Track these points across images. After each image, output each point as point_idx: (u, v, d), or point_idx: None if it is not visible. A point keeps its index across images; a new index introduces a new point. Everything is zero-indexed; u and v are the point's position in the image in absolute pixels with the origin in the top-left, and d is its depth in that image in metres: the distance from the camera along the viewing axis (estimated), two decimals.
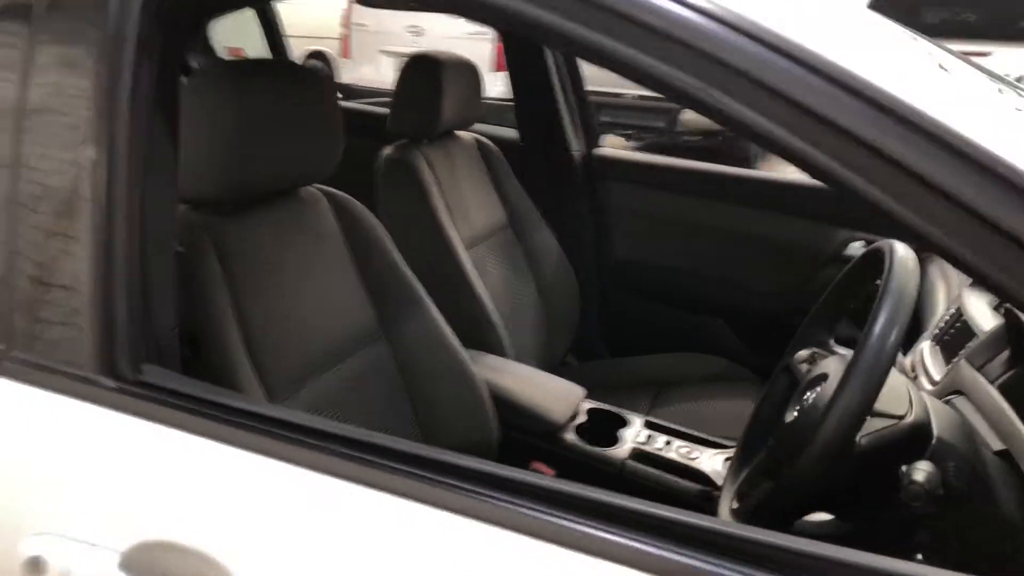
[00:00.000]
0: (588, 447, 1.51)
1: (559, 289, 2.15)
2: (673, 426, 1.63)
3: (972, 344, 1.21)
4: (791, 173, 1.88)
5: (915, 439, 0.90)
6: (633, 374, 2.13)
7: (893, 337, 0.85)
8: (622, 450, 1.52)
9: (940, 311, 1.55)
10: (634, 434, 1.57)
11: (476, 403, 1.43)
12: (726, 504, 1.10)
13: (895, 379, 1.00)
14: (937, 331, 1.41)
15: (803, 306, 2.20)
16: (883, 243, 1.03)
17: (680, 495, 1.43)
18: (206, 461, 0.79)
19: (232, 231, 1.13)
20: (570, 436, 1.54)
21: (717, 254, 2.23)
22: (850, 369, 0.85)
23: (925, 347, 1.41)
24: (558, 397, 1.59)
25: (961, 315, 1.35)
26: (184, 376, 0.87)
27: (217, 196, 1.10)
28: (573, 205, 2.31)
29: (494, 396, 1.46)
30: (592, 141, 2.36)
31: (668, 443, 1.56)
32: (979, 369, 1.14)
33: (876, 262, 1.07)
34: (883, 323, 0.86)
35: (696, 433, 1.63)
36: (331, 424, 0.81)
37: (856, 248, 2.09)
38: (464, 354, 1.44)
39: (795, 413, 1.02)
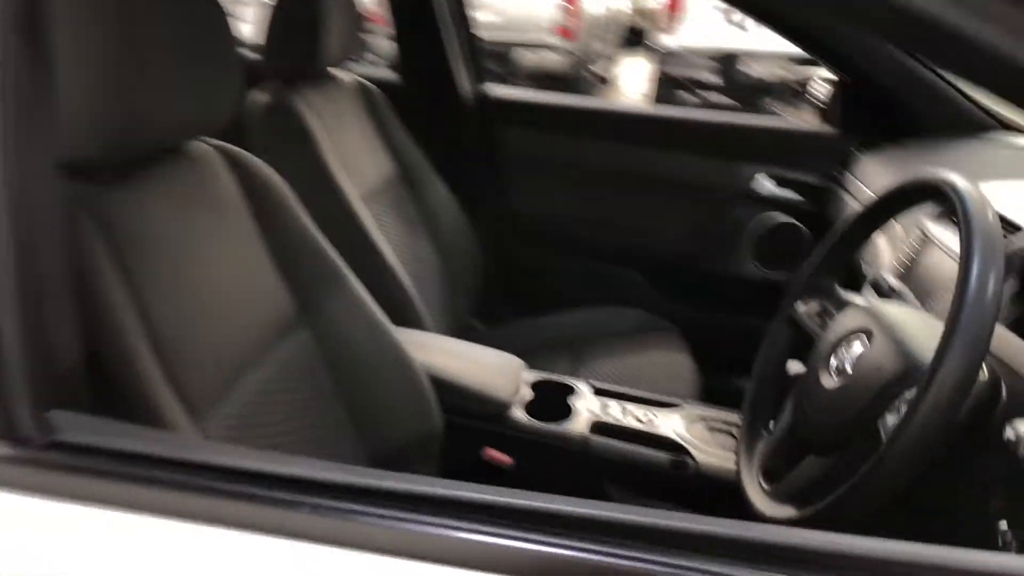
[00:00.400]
0: (543, 425, 1.34)
1: (458, 247, 1.94)
2: (623, 390, 1.49)
3: None
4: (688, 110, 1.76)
5: (1006, 395, 0.80)
6: (546, 335, 1.97)
7: (992, 284, 0.72)
8: (579, 423, 1.35)
9: (886, 257, 1.49)
10: (586, 404, 1.41)
11: (417, 390, 1.22)
12: (753, 484, 0.96)
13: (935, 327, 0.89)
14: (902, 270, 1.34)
15: (715, 248, 2.18)
16: (926, 175, 0.89)
17: (653, 467, 1.29)
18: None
19: (116, 205, 0.84)
20: (519, 414, 1.35)
21: (623, 199, 2.09)
22: (951, 329, 0.72)
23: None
24: (500, 372, 1.40)
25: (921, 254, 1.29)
26: (98, 420, 0.60)
27: (95, 156, 0.80)
28: (467, 153, 2.09)
29: (432, 379, 1.25)
30: (482, 81, 2.14)
31: (624, 410, 1.42)
32: None
33: (900, 200, 0.96)
34: (979, 270, 0.73)
35: (645, 394, 1.50)
36: (295, 463, 0.59)
37: (762, 183, 2.02)
38: (396, 335, 1.21)
39: (836, 378, 0.88)
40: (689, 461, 1.30)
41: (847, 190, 1.87)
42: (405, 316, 1.55)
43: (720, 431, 1.40)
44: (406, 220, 1.81)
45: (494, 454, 1.30)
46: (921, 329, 0.86)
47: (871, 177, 1.82)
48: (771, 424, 1.04)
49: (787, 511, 0.86)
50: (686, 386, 1.67)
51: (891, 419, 0.79)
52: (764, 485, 0.94)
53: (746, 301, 2.06)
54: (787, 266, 2.03)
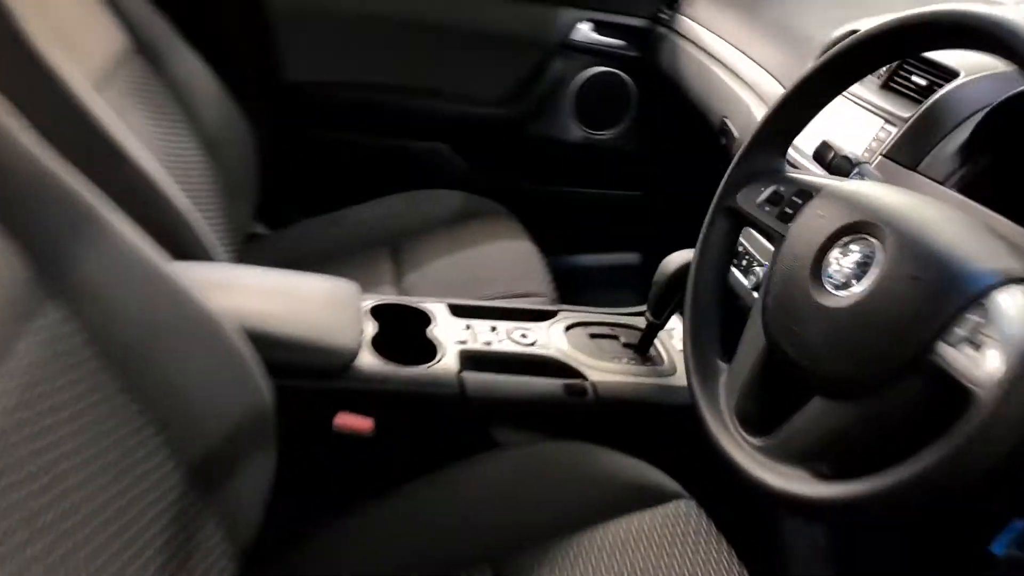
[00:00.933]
0: (404, 370, 1.03)
1: (225, 136, 1.51)
2: (482, 303, 1.21)
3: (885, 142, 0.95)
4: None
5: None
6: (351, 234, 1.62)
7: None
8: (449, 360, 1.07)
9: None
10: (447, 330, 1.13)
11: (231, 355, 0.86)
12: (728, 435, 0.74)
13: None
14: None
15: (535, 111, 1.90)
16: (965, 8, 0.66)
17: (545, 400, 1.05)
18: None
19: None
20: (370, 360, 1.04)
21: (422, 59, 1.74)
22: None
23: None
24: (335, 307, 1.06)
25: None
26: None
27: None
28: (221, 10, 1.60)
29: (248, 335, 0.90)
30: None
31: (493, 329, 1.15)
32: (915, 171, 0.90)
33: (911, 41, 0.72)
34: None
35: (510, 304, 1.24)
36: None
37: (586, 32, 1.75)
38: (184, 278, 0.84)
39: (839, 293, 0.67)
40: (585, 384, 1.07)
41: (678, 32, 1.66)
42: (182, 243, 1.15)
43: (603, 337, 1.19)
44: (154, 108, 1.35)
45: (348, 420, 0.99)
46: (950, 223, 0.65)
47: (705, 15, 1.62)
48: (719, 350, 0.82)
49: (802, 478, 0.65)
50: (539, 279, 1.43)
51: (951, 352, 0.58)
52: (747, 437, 0.73)
53: (575, 169, 1.83)
54: (614, 124, 1.81)
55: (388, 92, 1.75)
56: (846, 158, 0.85)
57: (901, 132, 0.94)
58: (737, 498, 1.15)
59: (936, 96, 0.92)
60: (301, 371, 0.98)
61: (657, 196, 1.86)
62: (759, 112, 1.26)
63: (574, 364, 1.10)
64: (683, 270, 1.07)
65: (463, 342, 1.10)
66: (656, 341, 1.16)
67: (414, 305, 1.16)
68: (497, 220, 1.63)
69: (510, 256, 1.50)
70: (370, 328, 1.08)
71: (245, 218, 1.56)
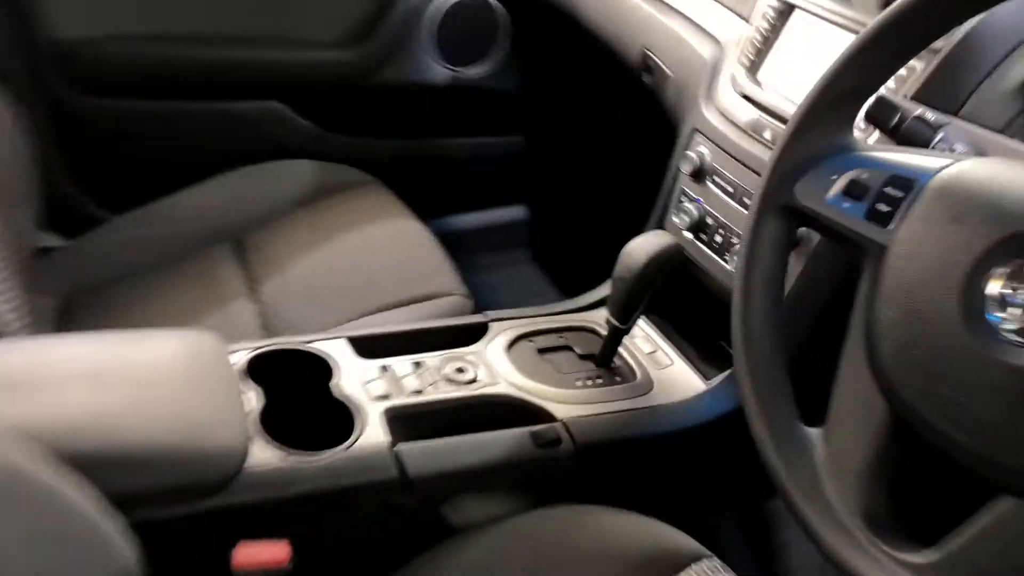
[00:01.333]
0: (317, 457, 0.74)
1: None
2: (392, 330, 0.92)
3: None
4: None
5: None
6: (173, 231, 1.26)
7: None
8: (373, 430, 0.78)
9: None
10: (357, 380, 0.83)
11: (38, 508, 0.54)
12: (857, 550, 0.51)
13: None
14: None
15: (386, 53, 1.50)
16: None
17: (510, 461, 0.79)
18: None
19: None
20: (265, 453, 0.73)
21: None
22: None
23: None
24: (201, 384, 0.73)
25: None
26: None
27: None
28: None
29: (64, 458, 0.58)
30: None
31: (417, 367, 0.86)
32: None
33: None
34: None
35: (423, 320, 0.96)
36: None
37: None
38: None
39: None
40: (556, 427, 0.82)
41: None
42: None
43: (554, 350, 0.94)
44: None
45: (253, 553, 0.68)
46: None
47: None
48: (795, 407, 0.59)
49: None
50: (441, 270, 1.15)
51: None
52: (887, 550, 0.50)
53: (442, 117, 1.53)
54: (481, 58, 1.51)
55: (196, 44, 1.36)
56: (922, 120, 0.62)
57: (933, 67, 0.73)
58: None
59: (976, 21, 0.72)
60: (168, 496, 0.67)
61: (541, 141, 1.60)
62: (697, 43, 1.02)
63: (534, 400, 0.85)
64: (657, 261, 0.84)
65: (384, 396, 0.81)
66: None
67: (304, 348, 0.85)
68: (363, 192, 1.32)
69: (395, 242, 1.21)
70: (253, 399, 0.77)
71: (26, 230, 1.16)
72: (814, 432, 0.57)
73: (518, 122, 1.57)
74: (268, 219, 1.27)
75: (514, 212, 1.66)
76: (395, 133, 1.50)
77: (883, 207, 0.54)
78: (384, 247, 1.19)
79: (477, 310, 1.08)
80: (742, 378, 0.59)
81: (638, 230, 0.95)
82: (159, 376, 0.72)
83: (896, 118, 0.62)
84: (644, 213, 1.05)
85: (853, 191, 0.56)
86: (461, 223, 1.61)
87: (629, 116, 1.36)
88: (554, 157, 1.61)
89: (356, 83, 1.43)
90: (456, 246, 1.26)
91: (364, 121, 1.46)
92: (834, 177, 0.57)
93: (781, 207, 0.59)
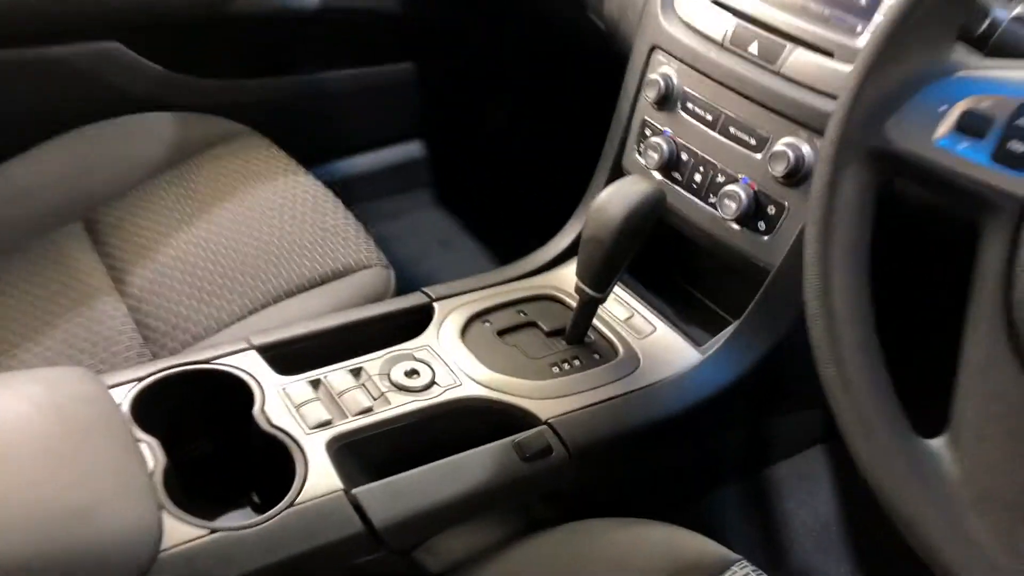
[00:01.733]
0: (252, 531, 0.56)
1: None
2: (312, 329, 0.74)
3: None
4: None
5: None
6: (3, 212, 1.01)
7: None
8: (318, 475, 0.60)
9: None
10: (285, 405, 0.65)
11: None
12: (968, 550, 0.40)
13: None
14: None
15: None
16: None
17: (504, 482, 0.64)
18: None
19: None
20: (182, 529, 0.54)
21: None
22: None
23: None
24: (87, 447, 0.53)
25: None
26: None
27: None
28: None
29: None
30: None
31: (357, 375, 0.69)
32: None
33: None
34: None
35: (336, 321, 0.77)
36: None
37: None
38: None
39: None
40: (543, 432, 0.67)
41: None
42: None
43: (516, 329, 0.78)
44: None
45: None
46: None
47: None
48: (902, 411, 0.46)
49: None
50: (351, 234, 0.96)
51: None
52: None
53: (317, 47, 1.29)
54: None
55: None
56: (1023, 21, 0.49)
57: None
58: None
59: None
60: None
61: (434, 66, 1.39)
62: None
63: (508, 399, 0.69)
64: (639, 214, 0.69)
65: (325, 423, 0.64)
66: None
67: (207, 368, 0.66)
68: (235, 145, 1.10)
69: (285, 204, 1.00)
70: (149, 454, 0.58)
71: None
72: (937, 444, 0.44)
73: (405, 47, 1.36)
74: (123, 189, 1.04)
75: (410, 149, 1.46)
76: (262, 71, 1.25)
77: (1017, 146, 0.40)
78: (273, 212, 0.98)
79: (401, 281, 0.90)
80: (833, 388, 0.45)
81: (569, 164, 0.79)
82: (15, 449, 0.51)
83: (985, 24, 0.48)
84: (570, 143, 0.88)
85: (971, 126, 0.42)
86: (350, 167, 1.40)
87: (544, 32, 1.19)
88: (450, 84, 1.41)
89: (210, 13, 1.17)
90: (347, 195, 1.06)
91: (224, 59, 1.21)
92: (943, 108, 0.43)
93: (868, 153, 0.45)
